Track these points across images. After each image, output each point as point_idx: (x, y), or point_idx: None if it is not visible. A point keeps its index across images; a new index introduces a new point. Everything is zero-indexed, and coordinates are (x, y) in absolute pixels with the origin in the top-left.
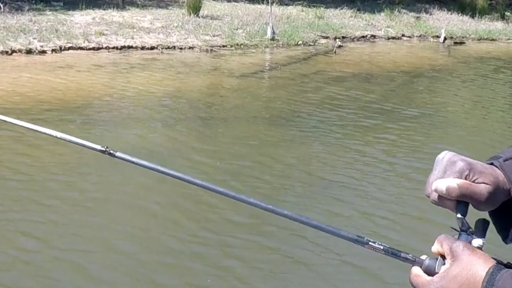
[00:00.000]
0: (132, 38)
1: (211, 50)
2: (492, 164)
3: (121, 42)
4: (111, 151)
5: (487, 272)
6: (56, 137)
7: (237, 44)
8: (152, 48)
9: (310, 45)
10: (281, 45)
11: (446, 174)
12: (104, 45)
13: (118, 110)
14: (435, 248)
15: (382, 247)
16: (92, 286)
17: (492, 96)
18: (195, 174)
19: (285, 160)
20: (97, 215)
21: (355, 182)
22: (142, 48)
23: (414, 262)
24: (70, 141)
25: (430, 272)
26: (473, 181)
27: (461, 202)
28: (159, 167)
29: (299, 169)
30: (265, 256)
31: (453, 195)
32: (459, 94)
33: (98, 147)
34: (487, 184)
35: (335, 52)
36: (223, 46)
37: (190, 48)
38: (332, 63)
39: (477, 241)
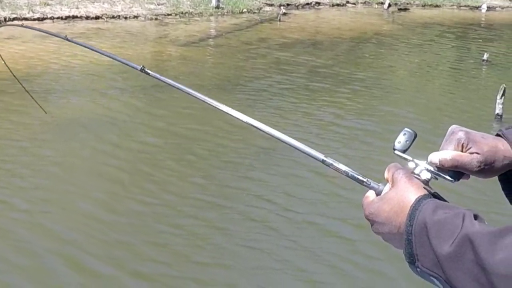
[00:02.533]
0: (77, 8)
1: (156, 18)
2: (498, 134)
3: (65, 12)
4: (146, 70)
5: (415, 199)
6: (100, 52)
7: (182, 13)
8: (97, 17)
9: (255, 12)
10: (226, 13)
11: (446, 143)
12: (49, 16)
13: (64, 79)
14: (385, 175)
15: (344, 169)
16: (57, 246)
17: (436, 60)
18: (148, 138)
19: (237, 123)
20: (59, 179)
21: (306, 144)
22: (87, 18)
23: (369, 186)
24: (113, 58)
25: (379, 195)
26: (468, 150)
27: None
28: (187, 88)
29: (251, 131)
30: (220, 215)
31: (446, 166)
32: (404, 58)
33: (138, 67)
34: (478, 154)
35: (279, 19)
36: (168, 14)
37: (135, 17)
38: (277, 30)
39: (425, 174)
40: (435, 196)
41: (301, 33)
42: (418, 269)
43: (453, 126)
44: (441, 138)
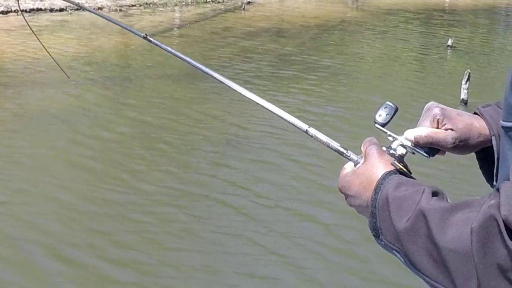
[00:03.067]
0: (41, 1)
1: (120, 9)
2: (476, 112)
3: (29, 5)
4: (149, 38)
5: (382, 174)
6: (102, 16)
7: (146, 3)
8: (61, 10)
9: (219, 2)
10: (190, 3)
11: (422, 119)
12: (13, 8)
13: (33, 72)
14: (361, 148)
15: (325, 140)
16: (31, 235)
17: (401, 46)
18: (120, 127)
19: (207, 112)
20: (33, 170)
21: (274, 131)
22: (51, 10)
23: (348, 158)
24: (117, 24)
25: None
26: (443, 127)
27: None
28: (187, 58)
29: (221, 119)
30: (194, 202)
31: (421, 142)
32: (370, 45)
33: (141, 34)
34: (452, 130)
35: (244, 8)
36: (132, 5)
37: (99, 8)
38: (242, 19)
39: (401, 149)
40: (402, 173)
41: (266, 22)
42: (382, 242)
43: (430, 103)
44: (407, 122)
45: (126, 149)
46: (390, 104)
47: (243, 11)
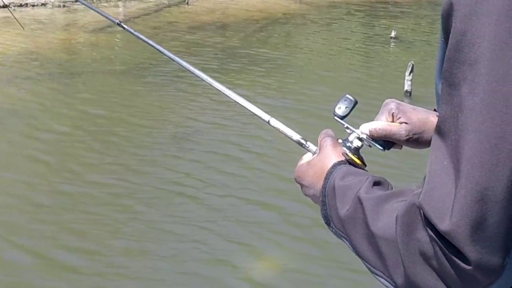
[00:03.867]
0: None
1: (64, 5)
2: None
3: None
4: (122, 24)
5: (332, 165)
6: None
7: None
8: (4, 6)
9: None
10: None
11: (379, 114)
12: None
13: None
14: (318, 140)
15: (286, 131)
16: None
17: (345, 38)
18: (68, 123)
19: (155, 104)
20: None
21: (225, 122)
22: None
23: (307, 148)
24: (92, 9)
25: None
26: (398, 120)
27: (386, 140)
28: (158, 46)
29: (167, 112)
30: (147, 193)
31: (376, 135)
32: (314, 37)
33: (116, 20)
34: (406, 123)
35: (188, 2)
36: (76, 1)
37: (42, 4)
38: (186, 13)
39: (357, 142)
40: (352, 163)
41: (211, 16)
42: (333, 230)
43: (388, 100)
44: (354, 112)
45: (78, 143)
46: (350, 97)
47: (187, 5)
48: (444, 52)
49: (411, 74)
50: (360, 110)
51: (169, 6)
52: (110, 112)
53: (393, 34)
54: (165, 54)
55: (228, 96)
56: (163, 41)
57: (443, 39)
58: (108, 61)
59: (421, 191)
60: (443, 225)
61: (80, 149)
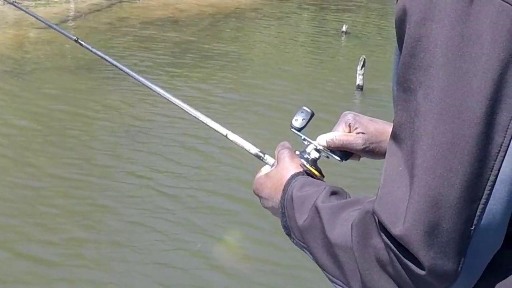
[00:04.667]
0: None
1: (14, 1)
2: None
3: None
4: (80, 41)
5: (290, 176)
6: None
7: None
8: None
9: None
10: None
11: (336, 124)
12: None
13: None
14: (275, 152)
15: (244, 144)
16: None
17: (297, 33)
18: (16, 121)
19: (105, 102)
20: None
21: (174, 121)
22: None
23: (265, 161)
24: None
25: None
26: (355, 130)
27: (344, 151)
28: (118, 64)
29: (117, 109)
30: (98, 193)
31: (333, 146)
32: (266, 32)
33: (73, 37)
34: (363, 133)
35: None
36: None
37: None
38: (137, 9)
39: (314, 153)
40: (310, 174)
41: (162, 11)
42: (293, 241)
43: (345, 111)
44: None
45: (37, 137)
46: (306, 109)
47: (138, 1)
48: (399, 58)
49: (363, 69)
50: (313, 106)
51: (120, 1)
52: (66, 108)
53: (344, 28)
54: (123, 71)
55: (186, 111)
56: (115, 37)
57: (397, 45)
58: (61, 57)
59: (375, 198)
60: (396, 230)
61: (39, 144)
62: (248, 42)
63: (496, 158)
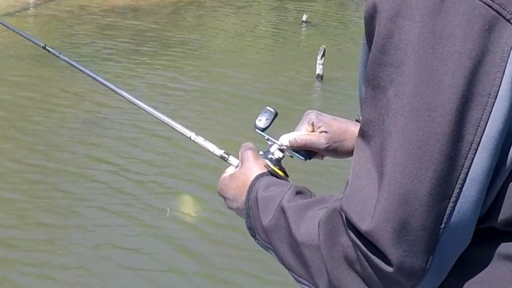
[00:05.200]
0: None
1: None
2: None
3: None
4: (48, 48)
5: (255, 177)
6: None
7: None
8: None
9: None
10: None
11: (299, 124)
12: None
13: None
14: (239, 153)
15: (208, 146)
16: None
17: (258, 22)
18: None
19: (68, 89)
20: None
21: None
22: None
23: (230, 162)
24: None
25: None
26: (318, 129)
27: (307, 150)
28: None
29: (80, 96)
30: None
31: (296, 146)
32: (227, 20)
33: (41, 44)
34: (326, 132)
35: None
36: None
37: None
38: None
39: (278, 153)
40: (274, 174)
41: (121, 0)
42: (258, 242)
43: (308, 111)
44: (268, 96)
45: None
46: (270, 109)
47: None
48: (368, 55)
49: (323, 58)
50: (272, 94)
51: None
52: (29, 94)
53: (304, 17)
54: (91, 76)
55: (152, 115)
56: (76, 24)
57: (365, 42)
58: (21, 46)
59: (343, 196)
60: (364, 225)
61: (2, 130)
62: (210, 30)
63: (467, 156)
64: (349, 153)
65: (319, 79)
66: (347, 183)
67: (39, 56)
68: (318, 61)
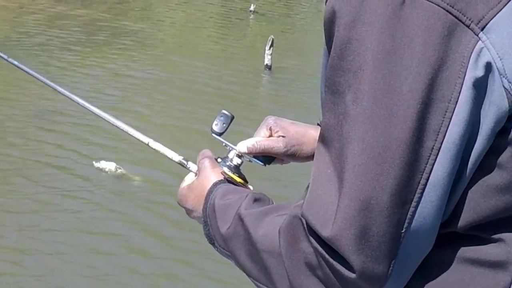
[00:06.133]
0: None
1: None
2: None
3: None
4: (11, 60)
5: (211, 185)
6: None
7: None
8: None
9: None
10: None
11: (258, 129)
12: None
13: None
14: (197, 161)
15: (166, 152)
16: None
17: (206, 12)
18: None
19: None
20: None
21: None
22: None
23: (189, 169)
24: None
25: None
26: (276, 134)
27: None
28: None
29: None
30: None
31: (254, 151)
32: (175, 10)
33: (4, 56)
34: (284, 136)
35: None
36: None
37: None
38: None
39: (237, 159)
40: (231, 182)
41: None
42: (217, 249)
43: (267, 116)
44: (218, 84)
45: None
46: (226, 112)
47: None
48: (328, 59)
49: (271, 48)
50: (221, 85)
51: None
52: None
53: (252, 7)
54: (52, 87)
55: (109, 122)
56: (27, 13)
57: (325, 47)
58: None
59: (303, 202)
60: (326, 232)
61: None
62: (158, 20)
63: (427, 161)
64: (309, 157)
65: (268, 69)
66: (307, 188)
67: None
68: (266, 52)
